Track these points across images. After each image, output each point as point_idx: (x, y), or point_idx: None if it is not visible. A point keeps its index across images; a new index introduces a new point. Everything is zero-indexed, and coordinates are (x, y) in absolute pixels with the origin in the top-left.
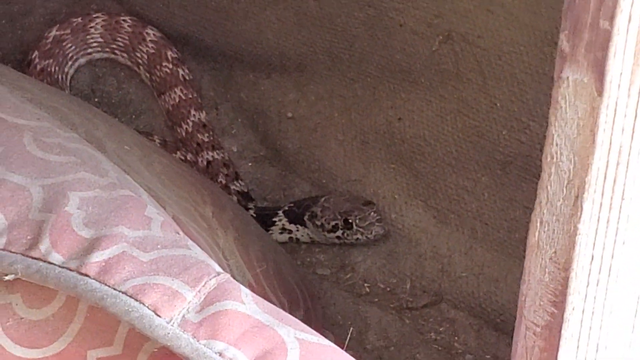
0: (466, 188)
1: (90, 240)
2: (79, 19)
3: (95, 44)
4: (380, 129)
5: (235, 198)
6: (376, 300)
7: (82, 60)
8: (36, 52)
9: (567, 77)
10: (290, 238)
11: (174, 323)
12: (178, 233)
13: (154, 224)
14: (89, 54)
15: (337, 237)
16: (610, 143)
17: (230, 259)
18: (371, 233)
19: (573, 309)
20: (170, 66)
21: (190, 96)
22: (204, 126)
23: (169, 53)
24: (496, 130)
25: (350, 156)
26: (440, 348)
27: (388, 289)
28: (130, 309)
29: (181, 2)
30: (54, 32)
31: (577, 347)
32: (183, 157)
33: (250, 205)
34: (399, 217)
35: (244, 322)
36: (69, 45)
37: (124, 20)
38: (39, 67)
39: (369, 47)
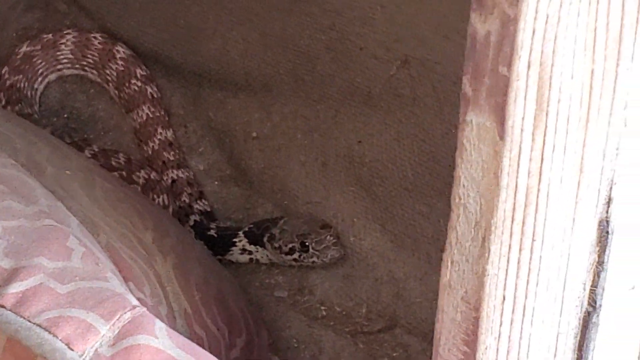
0: (422, 213)
1: (10, 271)
2: (50, 35)
3: (65, 60)
4: (341, 151)
5: (198, 217)
6: (332, 323)
7: (52, 77)
8: (6, 68)
9: (471, 121)
10: (251, 259)
11: (86, 357)
12: (98, 264)
13: (75, 255)
14: (59, 70)
15: (294, 259)
16: (517, 185)
17: (167, 285)
18: (327, 256)
19: (486, 348)
20: (139, 84)
21: (158, 114)
22: (170, 144)
23: (138, 71)
24: (451, 157)
25: (311, 178)
26: None
27: (344, 313)
28: (43, 342)
29: (152, 20)
30: (24, 48)
31: None
32: (147, 176)
33: (212, 225)
34: (357, 240)
35: (156, 356)
36: (39, 61)
37: (94, 37)
38: (8, 82)
39: (331, 69)
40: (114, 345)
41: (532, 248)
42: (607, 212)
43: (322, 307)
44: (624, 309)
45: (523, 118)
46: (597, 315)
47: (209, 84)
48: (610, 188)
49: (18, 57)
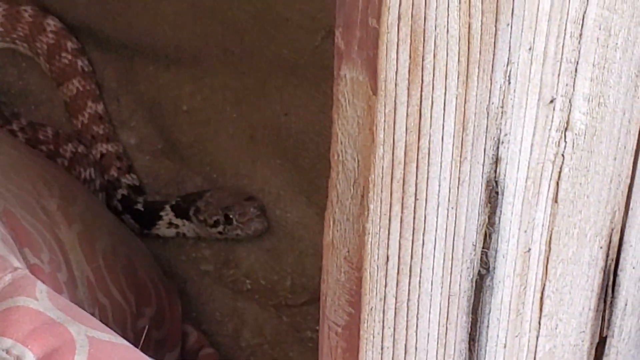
0: None
1: None
2: None
3: None
4: (268, 123)
5: (125, 191)
6: (256, 297)
7: None
8: None
9: (345, 75)
10: (177, 233)
11: None
12: None
13: None
14: None
15: (219, 232)
16: (394, 142)
17: (70, 252)
18: (250, 229)
19: (371, 309)
20: (70, 57)
21: (89, 88)
22: (100, 118)
23: (69, 44)
24: None
25: (239, 150)
26: (314, 346)
27: (269, 286)
28: None
29: None
30: None
31: (382, 348)
32: (74, 149)
33: (139, 199)
34: (283, 213)
35: (35, 319)
36: None
37: (24, 9)
38: None
39: (258, 40)
40: None
41: (414, 207)
42: (495, 171)
43: (247, 281)
44: (520, 272)
45: (396, 72)
46: (491, 278)
47: (141, 58)
48: (497, 147)
49: None
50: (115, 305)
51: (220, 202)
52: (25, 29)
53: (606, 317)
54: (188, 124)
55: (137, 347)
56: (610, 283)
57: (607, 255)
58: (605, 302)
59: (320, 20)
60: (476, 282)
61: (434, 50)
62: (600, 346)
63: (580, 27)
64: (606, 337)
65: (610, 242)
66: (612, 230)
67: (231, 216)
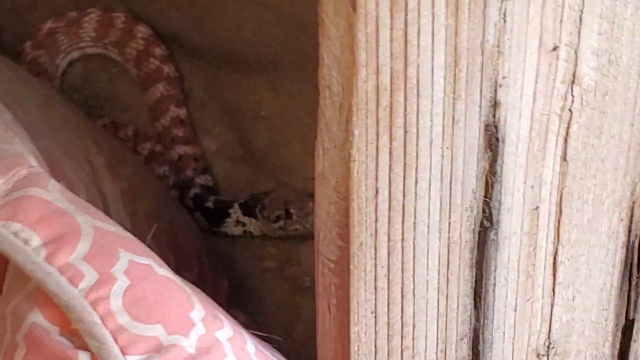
0: None
1: None
2: (74, 13)
3: (88, 39)
4: None
5: (198, 190)
6: (314, 294)
7: (74, 54)
8: (29, 42)
9: None
10: (245, 232)
11: None
12: (7, 132)
13: None
14: (82, 48)
15: (280, 227)
16: (378, 66)
17: (111, 204)
18: (308, 222)
19: (361, 244)
20: (157, 63)
21: (173, 92)
22: (182, 122)
23: (157, 50)
24: None
25: (309, 154)
26: None
27: None
28: None
29: (173, 1)
30: (48, 24)
31: (376, 288)
32: (151, 147)
33: (211, 197)
34: None
35: (44, 207)
36: (62, 37)
37: (117, 16)
38: (29, 57)
39: None
40: (6, 197)
41: (404, 140)
42: (494, 116)
43: (307, 278)
44: (528, 230)
45: None
46: (496, 232)
47: (226, 66)
48: (495, 90)
49: (42, 32)
50: None
51: (283, 198)
52: (117, 34)
53: (632, 299)
54: (265, 129)
55: None
56: (635, 261)
57: (630, 230)
58: (630, 282)
59: None
60: (479, 233)
61: None
62: (628, 330)
63: None
64: (634, 320)
65: (632, 215)
66: (634, 203)
67: (291, 210)
